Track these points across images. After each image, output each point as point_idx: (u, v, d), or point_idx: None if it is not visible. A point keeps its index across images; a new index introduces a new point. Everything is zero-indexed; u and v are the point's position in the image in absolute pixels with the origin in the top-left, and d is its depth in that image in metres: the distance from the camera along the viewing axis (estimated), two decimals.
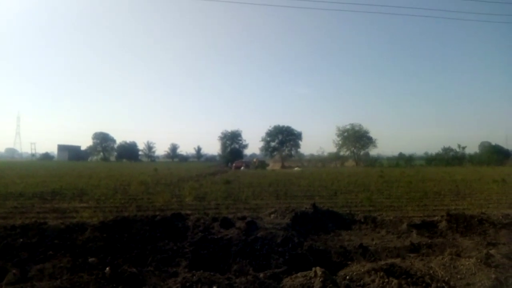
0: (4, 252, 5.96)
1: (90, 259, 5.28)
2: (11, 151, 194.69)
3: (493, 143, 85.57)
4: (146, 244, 6.58)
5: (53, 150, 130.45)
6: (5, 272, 4.91)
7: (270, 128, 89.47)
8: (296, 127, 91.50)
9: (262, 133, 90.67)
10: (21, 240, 6.42)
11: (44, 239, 6.55)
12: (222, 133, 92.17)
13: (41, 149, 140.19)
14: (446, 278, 4.69)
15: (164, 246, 6.50)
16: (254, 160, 77.93)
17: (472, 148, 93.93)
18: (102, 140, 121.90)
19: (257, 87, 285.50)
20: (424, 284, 4.52)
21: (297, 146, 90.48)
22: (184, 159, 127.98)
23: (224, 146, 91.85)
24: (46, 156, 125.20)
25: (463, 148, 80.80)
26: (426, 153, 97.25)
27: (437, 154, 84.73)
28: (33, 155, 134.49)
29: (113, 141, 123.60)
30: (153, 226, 7.29)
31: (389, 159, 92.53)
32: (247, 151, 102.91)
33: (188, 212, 10.18)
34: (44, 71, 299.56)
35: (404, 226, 9.00)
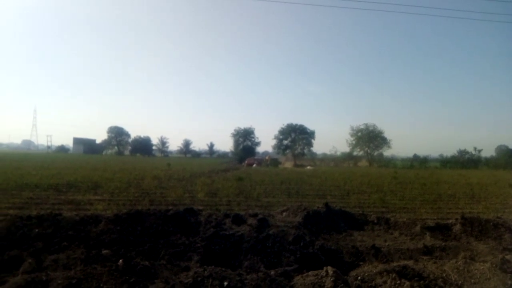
0: (20, 241, 6.08)
1: (104, 251, 5.34)
2: (27, 143, 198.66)
3: (510, 147, 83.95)
4: (159, 237, 6.64)
5: (68, 143, 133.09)
6: (21, 261, 5.01)
7: (283, 126, 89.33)
8: (309, 125, 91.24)
9: (275, 131, 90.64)
10: (37, 230, 6.54)
11: (59, 230, 6.66)
12: (235, 130, 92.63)
13: (56, 142, 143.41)
14: (460, 282, 4.62)
15: (176, 240, 6.55)
16: (267, 157, 77.78)
17: (488, 151, 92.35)
18: (117, 134, 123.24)
19: (270, 85, 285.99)
20: (436, 287, 4.46)
21: (310, 144, 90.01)
22: (196, 155, 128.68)
23: (236, 143, 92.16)
24: (62, 149, 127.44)
25: (479, 151, 79.59)
26: (441, 155, 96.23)
27: (452, 157, 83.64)
28: (48, 147, 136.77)
29: (128, 135, 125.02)
30: (165, 220, 7.34)
31: (403, 160, 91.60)
32: (260, 149, 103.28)
33: (200, 207, 10.24)
34: (61, 66, 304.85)
35: (418, 228, 8.89)
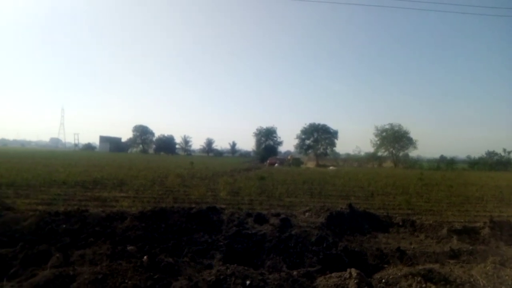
0: (49, 236, 6.28)
1: (129, 247, 5.43)
2: (55, 141, 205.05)
3: None
4: (182, 235, 6.71)
5: (95, 141, 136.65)
6: (49, 256, 5.14)
7: (305, 126, 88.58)
8: (332, 125, 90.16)
9: (297, 131, 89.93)
10: (64, 226, 6.72)
11: (85, 226, 6.83)
12: (257, 129, 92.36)
13: (83, 140, 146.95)
14: None
15: (200, 238, 6.61)
16: (289, 157, 77.32)
17: None
18: (142, 133, 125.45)
19: (293, 84, 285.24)
20: None
21: (333, 144, 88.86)
22: (219, 154, 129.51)
23: (259, 143, 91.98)
24: (88, 147, 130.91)
25: (509, 152, 76.71)
26: (468, 157, 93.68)
27: (481, 158, 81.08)
28: (76, 145, 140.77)
29: (152, 134, 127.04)
30: (189, 218, 7.42)
31: (429, 161, 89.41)
32: (282, 148, 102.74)
33: (223, 206, 10.30)
34: (88, 66, 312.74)
35: (444, 231, 8.66)
